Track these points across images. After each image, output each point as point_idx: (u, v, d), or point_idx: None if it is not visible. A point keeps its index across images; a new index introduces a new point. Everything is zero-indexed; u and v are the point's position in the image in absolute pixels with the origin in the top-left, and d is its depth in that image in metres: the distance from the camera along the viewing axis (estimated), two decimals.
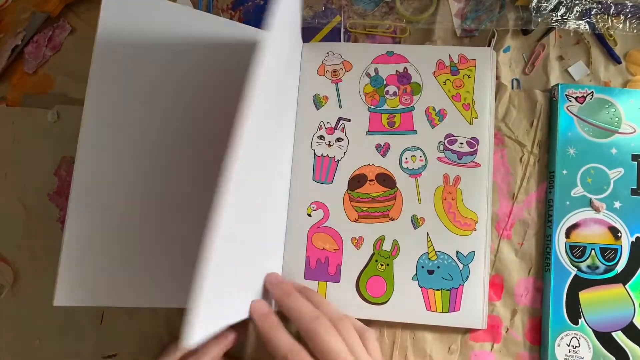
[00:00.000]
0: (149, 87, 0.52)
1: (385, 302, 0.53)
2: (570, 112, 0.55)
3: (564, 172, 0.54)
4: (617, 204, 0.53)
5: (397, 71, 0.57)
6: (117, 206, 0.50)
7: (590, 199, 0.54)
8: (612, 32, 0.58)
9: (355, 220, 0.55)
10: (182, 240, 0.52)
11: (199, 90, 0.53)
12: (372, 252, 0.54)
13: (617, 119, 0.55)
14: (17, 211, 0.58)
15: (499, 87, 0.57)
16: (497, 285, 0.55)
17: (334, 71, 0.57)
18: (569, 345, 0.52)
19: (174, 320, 0.56)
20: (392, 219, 0.54)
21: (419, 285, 0.53)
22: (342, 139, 0.56)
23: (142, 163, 0.51)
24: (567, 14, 0.57)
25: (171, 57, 0.52)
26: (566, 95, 0.55)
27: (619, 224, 0.53)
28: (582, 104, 0.55)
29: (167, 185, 0.52)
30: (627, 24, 0.57)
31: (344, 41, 0.60)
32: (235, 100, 0.41)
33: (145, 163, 0.52)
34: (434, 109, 0.56)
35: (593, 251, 0.53)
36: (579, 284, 0.52)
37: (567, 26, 0.57)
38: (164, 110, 0.52)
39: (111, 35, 0.50)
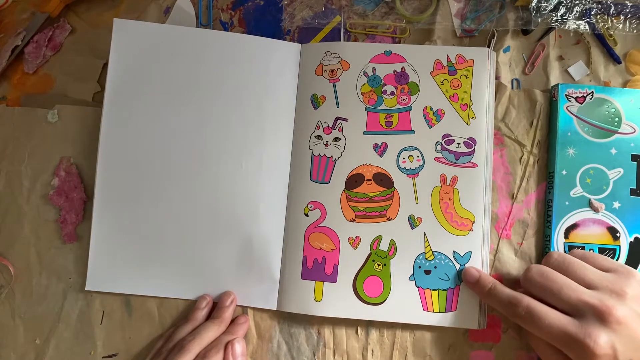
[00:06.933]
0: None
1: (382, 302, 0.53)
2: (570, 112, 0.55)
3: (564, 172, 0.54)
4: (616, 205, 0.53)
5: (394, 71, 0.57)
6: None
7: (590, 199, 0.53)
8: (612, 32, 0.57)
9: (353, 220, 0.55)
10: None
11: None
12: (369, 252, 0.54)
13: (617, 119, 0.54)
14: (17, 211, 0.58)
15: (499, 87, 0.57)
16: None
17: (332, 71, 0.57)
18: None
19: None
20: (389, 219, 0.54)
21: (416, 285, 0.53)
22: (340, 139, 0.56)
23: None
24: (567, 14, 0.56)
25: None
26: (566, 95, 0.55)
27: (617, 225, 0.53)
28: (582, 104, 0.55)
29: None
30: (627, 24, 0.57)
31: (344, 41, 0.60)
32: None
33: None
34: (431, 109, 0.56)
35: (592, 251, 0.52)
36: None
37: (567, 26, 0.57)
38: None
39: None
